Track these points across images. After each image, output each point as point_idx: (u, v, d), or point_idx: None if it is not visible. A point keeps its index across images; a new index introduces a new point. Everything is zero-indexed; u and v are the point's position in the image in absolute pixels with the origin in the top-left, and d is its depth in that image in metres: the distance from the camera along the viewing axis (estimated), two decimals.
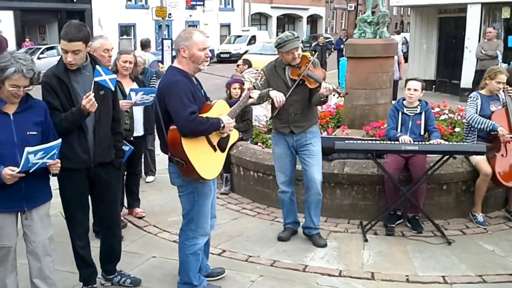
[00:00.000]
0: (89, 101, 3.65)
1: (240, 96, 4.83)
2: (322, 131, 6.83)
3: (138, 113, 5.58)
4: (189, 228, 4.00)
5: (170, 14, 30.25)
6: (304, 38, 45.79)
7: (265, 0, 45.17)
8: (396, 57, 11.36)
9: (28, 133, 3.47)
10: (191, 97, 3.69)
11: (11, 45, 24.13)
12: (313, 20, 54.42)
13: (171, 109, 3.65)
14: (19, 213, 3.56)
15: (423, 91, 5.73)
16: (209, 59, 3.89)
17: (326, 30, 52.88)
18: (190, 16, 37.78)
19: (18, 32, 27.07)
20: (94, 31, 26.74)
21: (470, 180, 5.78)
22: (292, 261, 4.80)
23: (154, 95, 4.80)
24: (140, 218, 5.88)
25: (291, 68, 4.90)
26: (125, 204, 5.98)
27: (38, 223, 3.60)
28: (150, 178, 7.36)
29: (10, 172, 3.30)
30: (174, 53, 9.90)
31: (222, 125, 3.79)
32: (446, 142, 5.77)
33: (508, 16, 14.38)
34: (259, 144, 6.79)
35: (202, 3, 38.11)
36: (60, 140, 3.50)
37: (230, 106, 4.06)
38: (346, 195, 5.88)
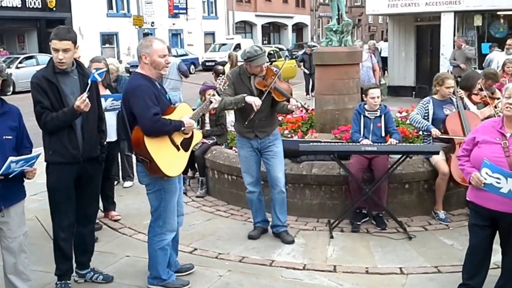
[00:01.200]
0: (83, 102, 3.94)
1: None
2: (292, 135, 7.12)
3: (111, 119, 5.82)
4: (157, 224, 4.25)
5: (153, 22, 30.48)
6: (289, 46, 46.32)
7: (249, 8, 45.60)
8: (370, 64, 11.77)
9: (4, 137, 3.72)
10: (155, 99, 3.97)
11: None
12: (299, 28, 54.94)
13: (136, 111, 3.92)
14: None
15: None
16: (169, 65, 4.16)
17: (312, 38, 53.38)
18: (173, 24, 38.02)
19: None
20: None
21: (431, 179, 6.06)
22: (260, 257, 5.05)
23: None
24: (115, 221, 6.09)
25: (257, 78, 5.15)
26: (101, 207, 6.18)
27: (15, 219, 3.84)
28: (128, 184, 7.55)
29: None
30: None
31: (183, 128, 4.07)
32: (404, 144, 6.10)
33: (480, 24, 14.83)
34: (233, 148, 7.03)
35: (185, 11, 38.38)
36: (39, 152, 3.80)
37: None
38: (315, 195, 6.14)
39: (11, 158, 3.56)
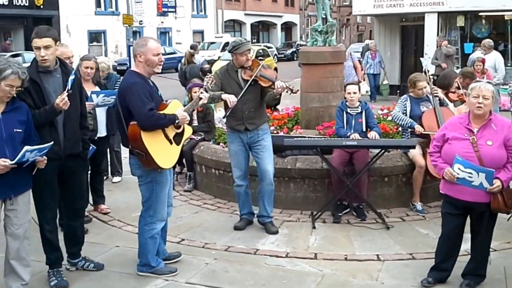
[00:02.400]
0: (62, 100, 4.14)
1: None
2: (278, 131, 7.36)
3: (101, 115, 6.04)
4: (148, 214, 4.49)
5: (141, 21, 30.56)
6: (278, 45, 46.64)
7: (238, 7, 45.83)
8: (351, 63, 12.05)
9: (14, 130, 3.97)
10: (149, 96, 4.21)
11: None
12: (288, 27, 55.28)
13: (132, 107, 4.16)
14: (3, 200, 4.02)
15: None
16: (162, 63, 4.40)
17: (301, 37, 53.75)
18: (162, 22, 38.14)
19: None
20: (62, 38, 26.84)
21: (409, 172, 6.33)
22: (245, 246, 5.29)
23: (114, 96, 5.26)
24: (105, 214, 6.28)
25: (244, 70, 5.42)
26: (90, 201, 6.38)
27: (22, 207, 4.09)
28: (116, 179, 7.74)
29: (3, 163, 3.79)
30: None
31: (177, 121, 4.31)
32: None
33: (463, 25, 15.18)
34: (221, 144, 7.26)
35: (174, 9, 38.49)
36: (52, 142, 4.04)
37: None
38: (299, 188, 6.39)
39: (26, 147, 3.82)
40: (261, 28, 51.75)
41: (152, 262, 4.57)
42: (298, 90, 5.73)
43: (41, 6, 29.07)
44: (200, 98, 4.67)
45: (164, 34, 38.89)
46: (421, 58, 11.16)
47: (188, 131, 4.62)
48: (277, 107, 9.05)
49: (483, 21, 15.49)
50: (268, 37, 51.51)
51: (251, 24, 48.30)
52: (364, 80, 15.00)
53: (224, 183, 6.79)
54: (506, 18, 14.81)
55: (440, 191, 4.32)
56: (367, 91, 14.92)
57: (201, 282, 4.53)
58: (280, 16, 52.03)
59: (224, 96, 5.30)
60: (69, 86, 4.22)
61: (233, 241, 5.43)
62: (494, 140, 4.01)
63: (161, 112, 4.28)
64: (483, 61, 9.53)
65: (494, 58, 10.92)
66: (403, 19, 17.03)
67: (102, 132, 6.10)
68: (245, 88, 5.36)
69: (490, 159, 3.95)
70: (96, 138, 5.91)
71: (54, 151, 4.24)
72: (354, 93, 6.22)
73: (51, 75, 4.33)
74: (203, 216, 6.24)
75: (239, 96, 5.30)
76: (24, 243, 4.16)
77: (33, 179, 4.31)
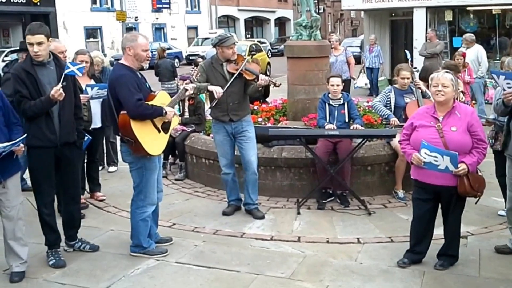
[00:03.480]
0: (57, 91, 4.41)
1: None
2: (266, 122, 7.64)
3: (96, 107, 6.31)
4: (139, 198, 4.78)
5: (137, 17, 30.77)
6: (272, 40, 46.83)
7: (231, 3, 45.97)
8: (344, 58, 12.24)
9: None
10: (137, 87, 4.49)
11: None
12: (281, 23, 55.44)
13: (121, 97, 4.44)
14: None
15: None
16: (149, 59, 4.68)
17: None
18: (157, 19, 38.32)
19: None
20: (59, 34, 27.10)
21: (392, 161, 6.62)
22: (232, 230, 5.58)
23: None
24: (101, 201, 6.57)
25: (229, 64, 5.69)
26: (87, 189, 6.66)
27: (12, 190, 4.37)
28: (112, 168, 8.03)
29: None
30: None
31: (164, 111, 4.60)
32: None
33: (451, 19, 15.46)
34: (211, 135, 7.52)
35: (168, 6, 38.67)
36: (25, 135, 4.28)
37: None
38: (285, 176, 6.67)
39: None
40: (255, 24, 51.93)
41: (144, 243, 4.86)
42: (281, 84, 6.01)
43: (38, 3, 29.29)
44: (186, 90, 4.95)
45: (159, 30, 39.08)
46: (405, 51, 11.42)
47: (175, 121, 4.90)
48: (267, 99, 9.35)
49: (471, 16, 15.77)
50: (262, 33, 51.70)
51: (245, 20, 48.47)
52: (365, 73, 15.14)
53: (213, 172, 7.06)
54: (493, 12, 15.09)
55: (411, 177, 4.61)
56: (366, 84, 14.92)
57: (190, 261, 4.82)
58: (274, 12, 52.20)
59: (211, 87, 5.56)
60: (63, 78, 4.49)
61: (221, 225, 5.72)
62: (458, 126, 4.29)
63: (149, 102, 4.56)
64: (463, 55, 9.81)
65: (477, 51, 11.20)
66: (393, 14, 17.30)
67: (96, 123, 6.37)
68: (230, 81, 5.62)
69: (455, 144, 4.24)
70: (91, 129, 6.18)
71: (50, 139, 4.52)
72: (337, 85, 6.49)
73: (45, 68, 4.60)
74: (194, 203, 6.53)
75: (225, 89, 5.56)
76: (19, 223, 4.44)
77: (31, 167, 4.59)
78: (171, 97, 4.93)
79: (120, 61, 4.71)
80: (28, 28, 4.52)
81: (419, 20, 15.43)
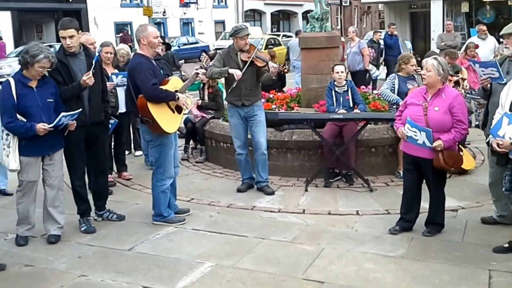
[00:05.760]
0: (88, 78, 5.06)
1: None
2: (279, 109, 8.19)
3: (121, 94, 6.96)
4: (159, 172, 5.42)
5: (164, 12, 31.56)
6: (301, 34, 47.07)
7: None
8: (357, 50, 12.58)
9: (47, 100, 4.96)
10: (152, 73, 5.14)
11: (9, 45, 25.60)
12: None
13: (138, 82, 5.10)
14: (42, 157, 5.03)
15: None
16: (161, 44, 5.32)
17: None
18: (184, 13, 39.11)
19: (16, 31, 28.68)
20: (90, 30, 28.10)
21: (395, 144, 7.08)
22: (244, 204, 6.18)
23: None
24: (127, 180, 7.24)
25: (242, 53, 6.28)
26: (114, 169, 7.33)
27: (58, 162, 5.12)
28: (138, 153, 8.67)
29: (43, 126, 4.78)
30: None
31: (176, 96, 5.25)
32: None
33: (468, 11, 15.73)
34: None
35: (195, 0, 39.41)
36: (81, 109, 5.02)
37: None
38: (295, 158, 7.23)
39: (62, 114, 4.82)
40: (282, 17, 52.24)
41: (164, 212, 5.50)
42: (289, 70, 6.58)
43: (70, 0, 30.38)
44: (197, 74, 5.56)
45: (186, 24, 39.88)
46: (405, 41, 11.80)
47: (188, 102, 5.53)
48: (283, 88, 9.92)
49: (488, 7, 16.00)
50: (289, 26, 51.98)
51: (271, 13, 48.86)
52: (383, 65, 15.43)
53: (231, 155, 7.63)
54: (509, 3, 15.31)
55: (400, 149, 5.15)
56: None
57: (204, 228, 5.45)
58: (301, 5, 52.36)
59: (231, 70, 6.17)
60: (93, 66, 5.16)
61: (234, 200, 6.32)
62: (441, 106, 4.80)
63: (163, 87, 5.21)
64: (476, 47, 10.19)
65: (494, 42, 11.53)
66: (413, 6, 17.62)
67: (122, 108, 7.04)
68: (244, 69, 6.20)
69: (435, 122, 4.76)
70: (117, 113, 6.85)
71: (81, 119, 5.19)
72: (342, 72, 7.03)
73: (77, 57, 5.26)
74: (212, 182, 7.15)
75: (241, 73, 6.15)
76: (59, 193, 5.16)
77: (65, 143, 5.26)
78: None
79: (137, 51, 5.34)
80: (60, 24, 5.19)
81: (436, 11, 15.77)
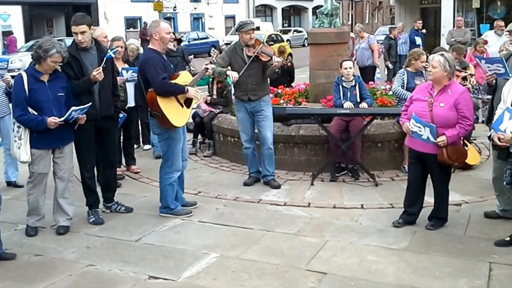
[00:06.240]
0: (98, 73, 5.17)
1: None
2: (287, 103, 8.25)
3: (130, 88, 7.06)
4: (166, 165, 5.52)
5: (175, 7, 31.66)
6: (309, 29, 47.03)
7: None
8: (366, 45, 12.61)
9: (58, 94, 5.07)
10: (162, 67, 5.21)
11: (20, 39, 25.88)
12: None
13: (148, 76, 5.17)
14: (53, 150, 5.14)
15: None
16: (173, 40, 5.40)
17: None
18: (195, 8, 39.16)
19: (26, 26, 28.93)
20: (100, 24, 28.29)
21: (401, 139, 7.11)
22: (250, 197, 6.27)
23: None
24: (135, 173, 7.34)
25: (248, 48, 6.35)
26: (123, 163, 7.44)
27: (68, 155, 5.24)
28: (147, 147, 8.77)
29: (54, 120, 4.90)
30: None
31: (186, 89, 5.32)
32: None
33: (478, 6, 15.67)
34: None
35: None
36: (90, 103, 5.12)
37: None
38: (302, 152, 7.30)
39: (73, 108, 4.94)
40: (292, 13, 52.18)
41: (171, 205, 5.60)
42: (290, 63, 6.64)
43: None
44: (206, 69, 5.64)
45: (197, 19, 39.95)
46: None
47: (197, 98, 5.61)
48: (292, 84, 9.98)
49: (498, 3, 15.94)
50: (300, 21, 51.94)
51: (282, 9, 48.81)
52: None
53: (238, 149, 7.72)
54: None
55: (405, 143, 5.20)
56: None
57: (211, 221, 5.54)
58: (312, 0, 52.31)
59: (229, 72, 6.26)
60: (104, 62, 5.26)
61: (241, 193, 6.41)
62: (446, 102, 4.85)
63: (173, 81, 5.29)
64: (485, 42, 10.18)
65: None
66: (423, 1, 17.58)
67: (131, 102, 7.14)
68: (248, 64, 6.27)
69: (440, 118, 4.81)
70: (126, 108, 6.95)
71: (91, 113, 5.28)
72: (350, 68, 7.08)
73: (88, 52, 5.36)
74: (219, 175, 7.24)
75: (243, 70, 6.23)
76: (69, 185, 5.27)
77: (76, 137, 5.37)
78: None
79: (148, 46, 5.43)
80: (72, 19, 5.29)
81: (447, 7, 15.73)
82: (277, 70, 6.36)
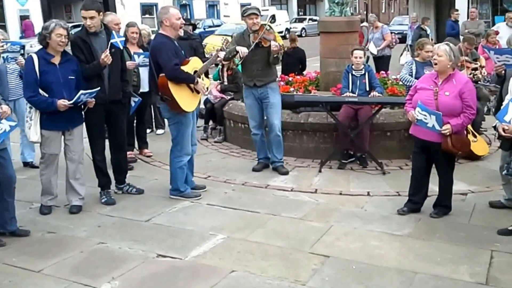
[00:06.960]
0: (106, 56, 5.25)
1: None
2: (296, 91, 8.32)
3: (144, 73, 7.17)
4: (176, 149, 5.65)
5: None
6: (320, 18, 46.84)
7: None
8: (380, 35, 12.60)
9: (69, 77, 5.20)
10: (174, 53, 5.33)
11: (38, 24, 26.04)
12: None
13: (160, 61, 5.28)
14: (63, 132, 5.28)
15: None
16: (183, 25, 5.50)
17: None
18: None
19: (45, 11, 29.10)
20: (116, 11, 28.40)
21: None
22: (258, 182, 6.38)
23: None
24: (148, 156, 7.50)
25: (253, 34, 6.43)
26: (136, 146, 7.59)
27: (77, 137, 5.37)
28: (160, 131, 8.93)
29: (64, 103, 5.03)
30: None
31: (196, 81, 5.43)
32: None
33: None
34: None
35: None
36: (99, 88, 5.23)
37: None
38: (311, 140, 7.39)
39: (81, 91, 5.05)
40: (308, 1, 51.99)
41: (181, 187, 5.73)
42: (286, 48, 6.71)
43: None
44: (218, 56, 5.73)
45: (212, 7, 39.96)
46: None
47: (206, 83, 5.72)
48: (303, 72, 10.05)
49: None
50: (315, 10, 51.73)
51: None
52: (409, 51, 15.33)
53: (248, 135, 7.76)
54: None
55: (410, 132, 5.28)
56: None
57: (219, 204, 5.68)
58: None
59: (238, 47, 6.33)
60: (120, 46, 5.43)
61: (249, 178, 6.52)
62: (451, 91, 4.90)
63: (183, 67, 5.40)
64: (496, 33, 10.16)
65: None
66: None
67: (144, 88, 7.27)
68: (250, 49, 6.33)
69: (445, 106, 4.86)
70: (139, 92, 7.08)
71: (101, 97, 5.41)
72: (360, 57, 7.14)
73: (98, 36, 5.48)
74: (229, 161, 7.36)
75: (247, 54, 6.29)
76: (79, 166, 5.43)
77: (86, 120, 5.50)
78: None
79: (159, 32, 5.54)
80: (83, 4, 5.42)
81: None
82: (275, 55, 6.40)
